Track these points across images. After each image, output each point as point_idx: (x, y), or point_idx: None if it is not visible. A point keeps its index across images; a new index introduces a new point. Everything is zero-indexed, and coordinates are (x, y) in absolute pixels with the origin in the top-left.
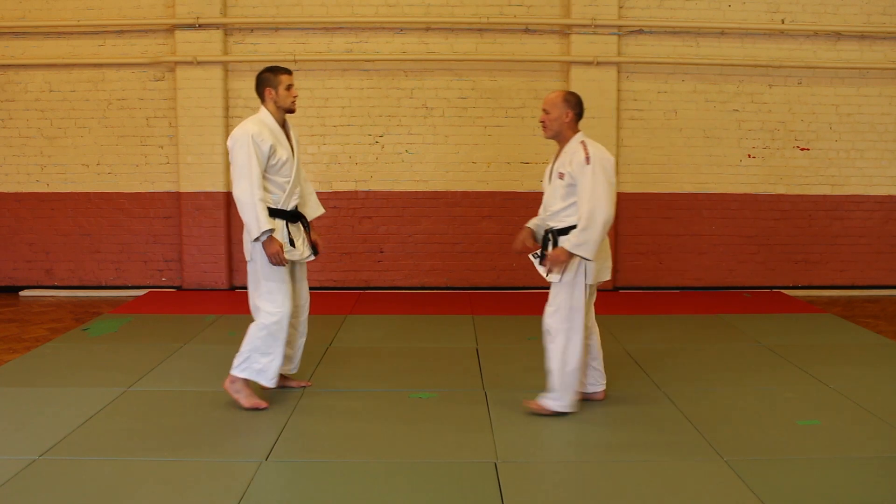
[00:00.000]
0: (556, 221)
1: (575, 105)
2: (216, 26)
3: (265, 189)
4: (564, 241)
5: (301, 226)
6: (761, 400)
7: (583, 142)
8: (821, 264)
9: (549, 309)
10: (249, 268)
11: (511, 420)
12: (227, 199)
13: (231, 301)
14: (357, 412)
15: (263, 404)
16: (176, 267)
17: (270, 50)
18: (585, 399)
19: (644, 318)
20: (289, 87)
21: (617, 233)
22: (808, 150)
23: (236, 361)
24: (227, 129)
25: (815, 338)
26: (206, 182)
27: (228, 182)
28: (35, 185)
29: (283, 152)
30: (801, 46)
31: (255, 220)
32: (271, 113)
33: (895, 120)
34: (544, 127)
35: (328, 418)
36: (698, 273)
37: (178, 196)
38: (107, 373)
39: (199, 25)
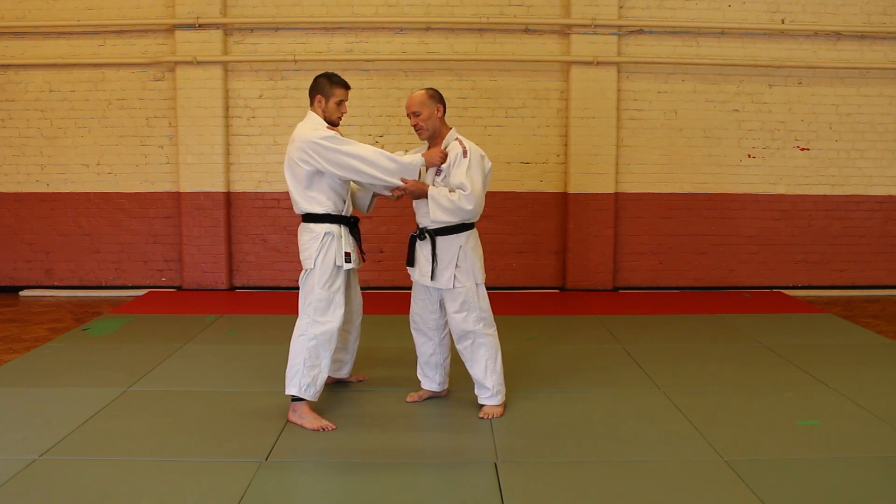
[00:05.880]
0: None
1: (440, 99)
2: (216, 26)
3: (325, 199)
4: (433, 190)
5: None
6: (761, 400)
7: (458, 138)
8: (821, 264)
9: (459, 315)
10: (305, 275)
11: (511, 420)
12: (227, 199)
13: (231, 301)
14: (357, 412)
15: (331, 426)
16: (176, 267)
17: (270, 50)
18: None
19: (644, 318)
20: (340, 103)
21: (617, 233)
22: (808, 150)
23: (287, 376)
24: (227, 129)
25: (815, 338)
26: (206, 182)
27: (228, 182)
28: (35, 185)
29: None
30: (801, 46)
31: (397, 166)
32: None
33: (895, 120)
34: (420, 130)
35: (328, 418)
36: (698, 273)
37: (177, 196)
38: (107, 373)
39: (199, 25)
